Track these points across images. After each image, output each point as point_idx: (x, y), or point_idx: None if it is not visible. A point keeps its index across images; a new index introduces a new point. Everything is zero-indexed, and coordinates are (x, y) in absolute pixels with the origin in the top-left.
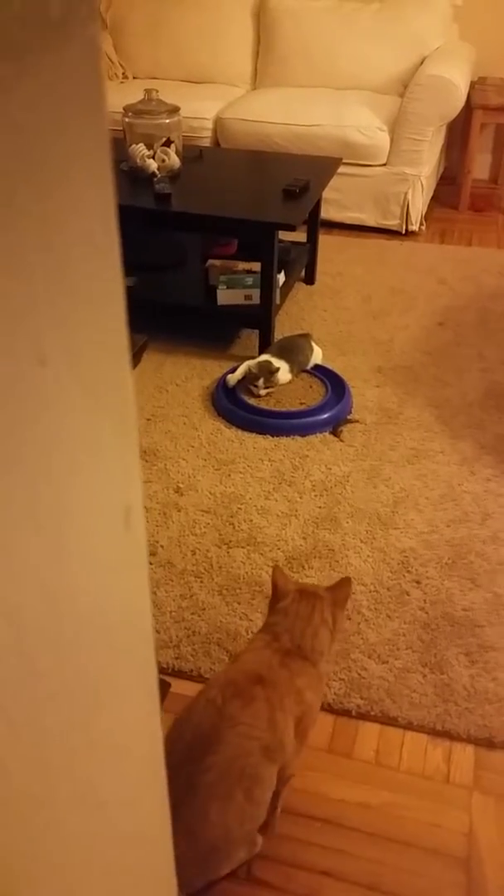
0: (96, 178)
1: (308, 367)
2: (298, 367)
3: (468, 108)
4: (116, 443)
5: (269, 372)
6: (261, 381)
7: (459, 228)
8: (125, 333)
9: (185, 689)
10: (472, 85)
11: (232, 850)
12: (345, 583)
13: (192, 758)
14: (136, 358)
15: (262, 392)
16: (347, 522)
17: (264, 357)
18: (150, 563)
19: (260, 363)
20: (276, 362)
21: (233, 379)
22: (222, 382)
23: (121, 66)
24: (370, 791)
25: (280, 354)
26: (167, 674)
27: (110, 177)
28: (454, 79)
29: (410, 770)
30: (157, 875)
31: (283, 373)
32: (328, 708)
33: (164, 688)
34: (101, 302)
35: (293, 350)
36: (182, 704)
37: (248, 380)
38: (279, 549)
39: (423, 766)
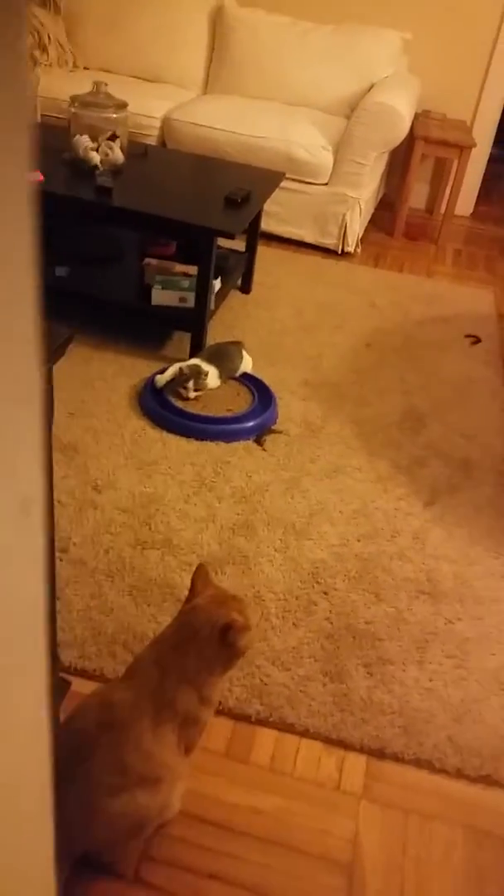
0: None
1: (237, 375)
2: (227, 374)
3: (410, 138)
4: (16, 433)
5: (198, 375)
6: (190, 384)
7: (393, 254)
8: (33, 323)
9: (86, 688)
10: (416, 116)
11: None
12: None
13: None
14: (60, 351)
15: (191, 395)
16: (263, 531)
17: (194, 361)
18: (61, 560)
19: (190, 366)
20: (206, 367)
21: (161, 380)
22: (150, 382)
23: (72, 53)
24: (263, 796)
25: (210, 360)
26: (69, 672)
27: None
28: (400, 108)
29: (303, 777)
30: (36, 857)
31: (212, 378)
32: (228, 712)
33: (63, 686)
34: (4, 291)
35: (224, 356)
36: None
37: (178, 382)
38: (194, 552)
39: (316, 773)
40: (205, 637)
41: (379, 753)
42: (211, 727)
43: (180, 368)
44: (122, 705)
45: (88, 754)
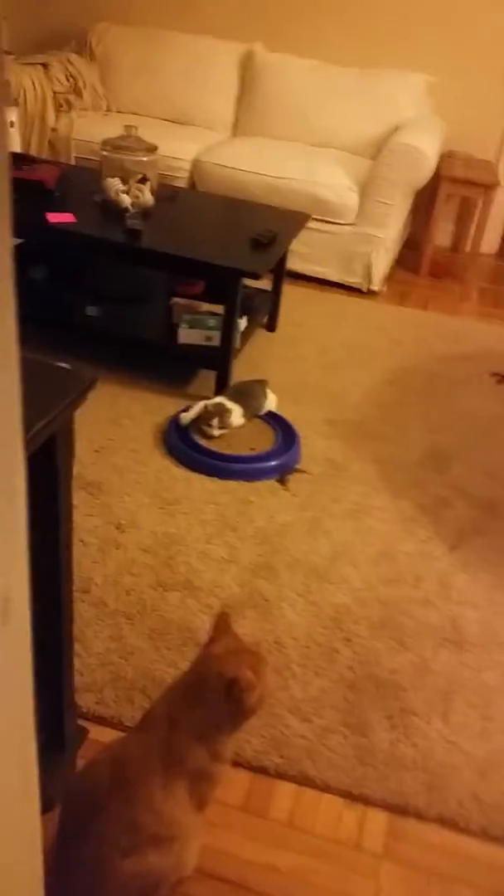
0: None
1: (261, 413)
2: (252, 412)
3: (436, 178)
4: None
5: (223, 413)
6: (215, 422)
7: (418, 292)
8: (13, 427)
9: (104, 735)
10: (441, 157)
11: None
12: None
13: (80, 818)
14: (81, 396)
15: (216, 433)
16: (285, 573)
17: (219, 399)
18: (82, 601)
19: (215, 404)
20: (231, 405)
21: (186, 418)
22: (175, 421)
23: (105, 98)
24: (281, 853)
25: (235, 398)
26: (87, 719)
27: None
28: (425, 148)
29: (323, 834)
30: None
31: (237, 416)
32: (246, 764)
33: (80, 734)
34: None
35: (248, 395)
36: (99, 752)
37: (202, 420)
38: (215, 595)
39: (336, 830)
40: (213, 691)
41: (401, 810)
42: (228, 779)
43: (205, 406)
44: (132, 761)
45: (100, 812)
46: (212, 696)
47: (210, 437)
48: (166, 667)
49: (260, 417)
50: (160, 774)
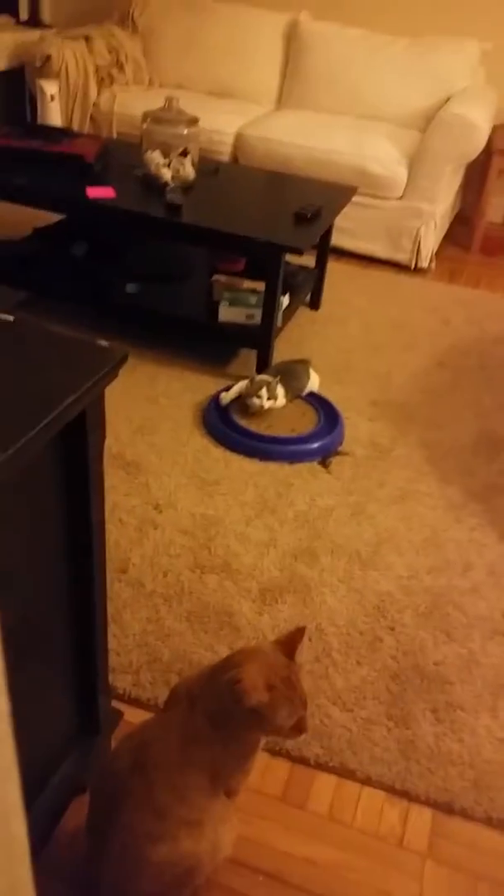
0: None
1: (303, 394)
2: (294, 393)
3: (488, 151)
4: None
5: (270, 384)
6: (263, 391)
7: (469, 270)
8: None
9: (139, 717)
10: (494, 129)
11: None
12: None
13: (108, 809)
14: (113, 372)
15: (266, 404)
16: (326, 558)
17: (260, 377)
18: (119, 581)
19: (261, 378)
20: (273, 384)
21: (227, 397)
22: (216, 400)
23: (148, 71)
24: (319, 847)
25: (276, 378)
26: (122, 700)
27: None
28: (477, 120)
29: (364, 828)
30: None
31: (280, 393)
32: (285, 754)
33: (115, 717)
34: None
35: (290, 375)
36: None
37: (248, 394)
38: (254, 578)
39: (377, 825)
40: (221, 686)
41: (446, 808)
42: (267, 768)
43: (250, 380)
44: (152, 743)
45: (125, 799)
46: (221, 691)
47: (257, 412)
48: (203, 650)
49: (302, 398)
50: (179, 755)
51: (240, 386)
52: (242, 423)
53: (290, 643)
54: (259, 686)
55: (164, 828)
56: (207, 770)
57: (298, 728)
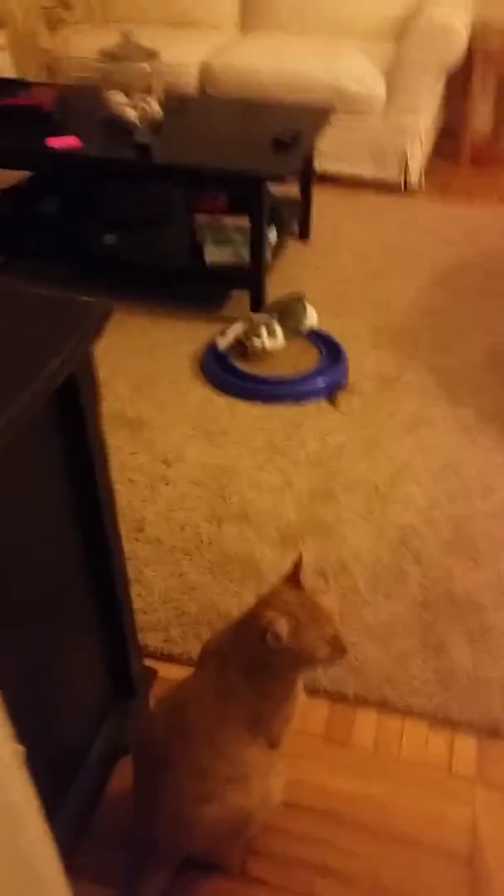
0: None
1: (302, 330)
2: (292, 331)
3: (468, 55)
4: None
5: (269, 323)
6: (263, 330)
7: (460, 184)
8: None
9: (174, 673)
10: (473, 30)
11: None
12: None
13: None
14: (98, 329)
15: (267, 343)
16: (343, 496)
17: (257, 316)
18: (137, 541)
19: (255, 321)
20: (271, 322)
21: (223, 342)
22: (212, 347)
23: (99, 8)
24: (369, 782)
25: (274, 316)
26: (155, 658)
27: None
28: (454, 23)
29: (411, 759)
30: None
31: (279, 332)
32: (324, 693)
33: (149, 675)
34: None
35: (287, 313)
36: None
37: (248, 335)
38: (272, 524)
39: (424, 755)
40: (251, 634)
41: (491, 732)
42: (307, 708)
43: (250, 319)
44: (187, 704)
45: (167, 764)
46: (250, 641)
47: (258, 354)
48: (231, 598)
49: (301, 335)
50: (215, 713)
51: (235, 329)
52: (243, 367)
53: (294, 575)
54: (283, 625)
55: (209, 787)
56: (246, 723)
57: (338, 648)
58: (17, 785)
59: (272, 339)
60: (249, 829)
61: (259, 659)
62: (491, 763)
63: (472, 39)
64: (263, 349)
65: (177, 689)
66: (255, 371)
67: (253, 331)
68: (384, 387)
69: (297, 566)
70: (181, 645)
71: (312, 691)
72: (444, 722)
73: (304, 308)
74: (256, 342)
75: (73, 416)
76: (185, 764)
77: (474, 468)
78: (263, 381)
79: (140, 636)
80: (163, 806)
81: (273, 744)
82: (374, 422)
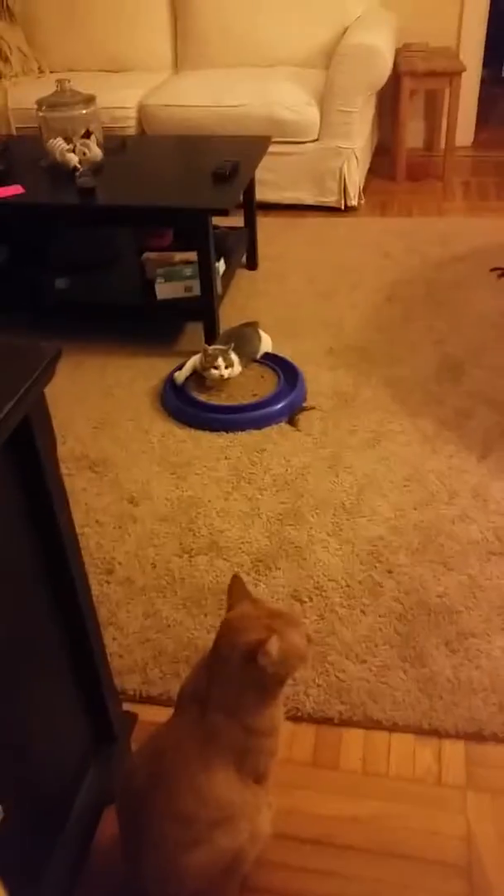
0: None
1: (257, 357)
2: (248, 358)
3: (395, 75)
4: None
5: (225, 353)
6: (220, 361)
7: (399, 199)
8: None
9: (154, 715)
10: (398, 52)
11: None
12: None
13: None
14: (48, 371)
15: (224, 373)
16: (312, 516)
17: (213, 347)
18: (108, 583)
19: (214, 348)
20: (227, 351)
21: (181, 375)
22: (171, 381)
23: (35, 60)
24: (360, 803)
25: (229, 345)
26: (135, 701)
27: None
28: (378, 46)
29: (400, 775)
30: None
31: (235, 363)
32: (308, 718)
33: (129, 720)
34: None
35: (241, 340)
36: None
37: (205, 366)
38: (243, 551)
39: (412, 769)
40: (234, 664)
41: (477, 737)
42: (293, 735)
43: (204, 351)
44: (166, 752)
45: (149, 813)
46: (233, 671)
47: (216, 383)
48: (206, 633)
49: (257, 361)
50: (199, 758)
51: (192, 361)
52: (202, 398)
53: (238, 592)
54: (273, 642)
55: (194, 833)
56: (232, 764)
57: (310, 639)
58: None
59: (229, 367)
60: (243, 867)
61: (249, 685)
62: (479, 767)
63: (397, 59)
64: (221, 378)
65: (154, 737)
66: (215, 401)
67: (210, 362)
68: (343, 405)
69: (236, 584)
70: (160, 685)
71: (297, 718)
72: (430, 732)
73: (259, 334)
74: (214, 372)
75: (29, 461)
76: (169, 812)
77: (437, 475)
78: (224, 409)
79: (118, 680)
80: (149, 857)
81: (260, 779)
82: (335, 440)
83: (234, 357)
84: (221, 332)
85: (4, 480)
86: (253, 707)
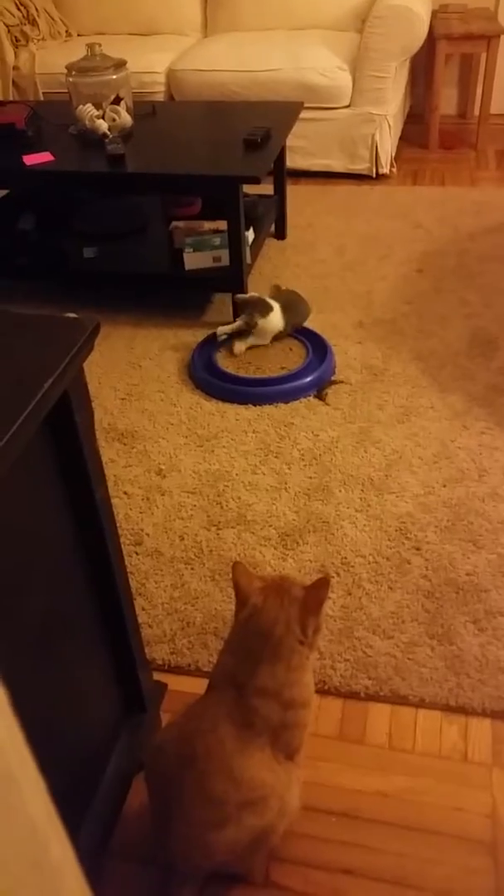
0: None
1: (303, 324)
2: (292, 327)
3: (431, 39)
4: None
5: (265, 306)
6: (256, 315)
7: (431, 168)
8: None
9: (183, 685)
10: (434, 14)
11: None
12: (320, 585)
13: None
14: (87, 344)
15: (258, 321)
16: (340, 491)
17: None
18: (137, 554)
19: (265, 299)
20: (273, 303)
21: (223, 331)
22: (199, 352)
23: (63, 23)
24: (386, 778)
25: (280, 304)
26: (163, 671)
27: None
28: (415, 7)
29: (426, 751)
30: None
31: (276, 318)
32: (335, 691)
33: (159, 689)
34: None
35: (292, 308)
36: (181, 702)
37: (255, 314)
38: (271, 525)
39: (439, 745)
40: (280, 634)
41: None
42: (319, 709)
43: (260, 298)
44: (200, 735)
45: (180, 796)
46: (279, 641)
47: (261, 334)
48: (233, 606)
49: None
50: (233, 741)
51: (238, 323)
52: (231, 370)
53: (250, 578)
54: (325, 581)
55: (224, 813)
56: (268, 743)
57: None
58: (39, 802)
59: (262, 320)
60: (271, 842)
61: (288, 655)
62: None
63: (433, 22)
64: (267, 329)
65: (186, 717)
66: (243, 373)
67: (263, 309)
68: (372, 379)
69: (240, 568)
70: (188, 656)
71: (324, 691)
72: (457, 709)
73: (308, 307)
74: (262, 321)
75: (67, 434)
76: (199, 794)
77: (467, 452)
78: (252, 382)
79: (147, 650)
80: (179, 828)
81: (292, 755)
82: (364, 415)
83: (270, 318)
84: (271, 293)
85: (43, 455)
86: (293, 677)
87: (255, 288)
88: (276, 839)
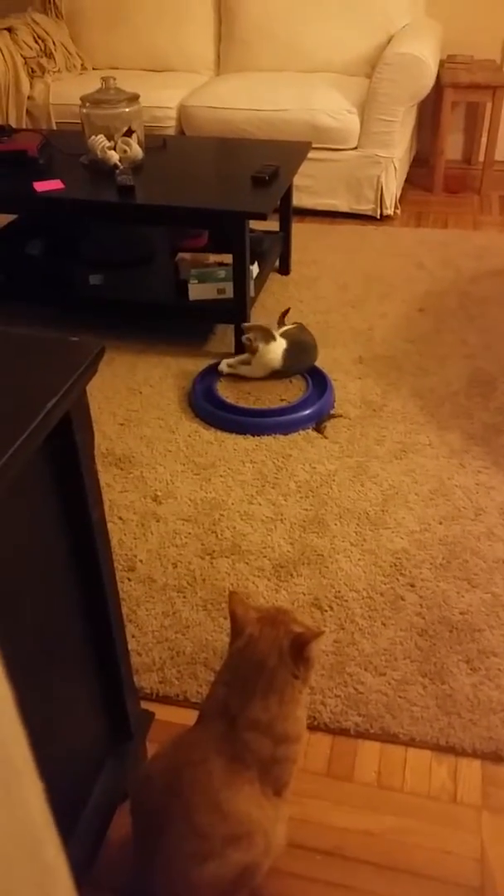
0: None
1: (307, 368)
2: (291, 370)
3: (438, 87)
4: None
5: (268, 334)
6: (255, 337)
7: (435, 211)
8: None
9: (171, 715)
10: (441, 63)
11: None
12: (315, 634)
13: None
14: (91, 367)
15: (256, 345)
16: (335, 524)
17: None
18: (129, 580)
19: (270, 330)
20: (277, 336)
21: (227, 363)
22: (200, 379)
23: (79, 56)
24: (374, 817)
25: (286, 340)
26: (150, 700)
27: None
28: (423, 56)
29: (415, 791)
30: None
31: (276, 349)
32: (324, 727)
33: (146, 718)
34: None
35: (298, 347)
36: (167, 733)
37: (256, 339)
38: (265, 556)
39: (428, 785)
40: (273, 666)
41: (494, 756)
42: (308, 745)
43: (265, 328)
44: (189, 766)
45: (164, 827)
46: (273, 673)
47: (262, 363)
48: (225, 636)
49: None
50: (223, 773)
51: (242, 357)
52: (230, 400)
53: (245, 606)
54: (313, 632)
55: (209, 847)
56: (257, 777)
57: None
58: (38, 801)
59: (257, 348)
60: (255, 879)
61: (281, 688)
62: (496, 788)
63: (441, 71)
64: (264, 359)
65: (174, 748)
66: (243, 403)
67: (267, 337)
68: (371, 414)
69: (237, 598)
70: (177, 686)
71: (313, 727)
72: (447, 749)
73: (316, 347)
74: (263, 347)
75: (67, 454)
76: (184, 827)
77: (463, 490)
78: (251, 412)
79: (135, 678)
80: (161, 861)
81: (280, 790)
82: (362, 449)
83: (269, 347)
84: (283, 329)
85: (41, 475)
86: (286, 710)
87: (256, 320)
88: (260, 876)
